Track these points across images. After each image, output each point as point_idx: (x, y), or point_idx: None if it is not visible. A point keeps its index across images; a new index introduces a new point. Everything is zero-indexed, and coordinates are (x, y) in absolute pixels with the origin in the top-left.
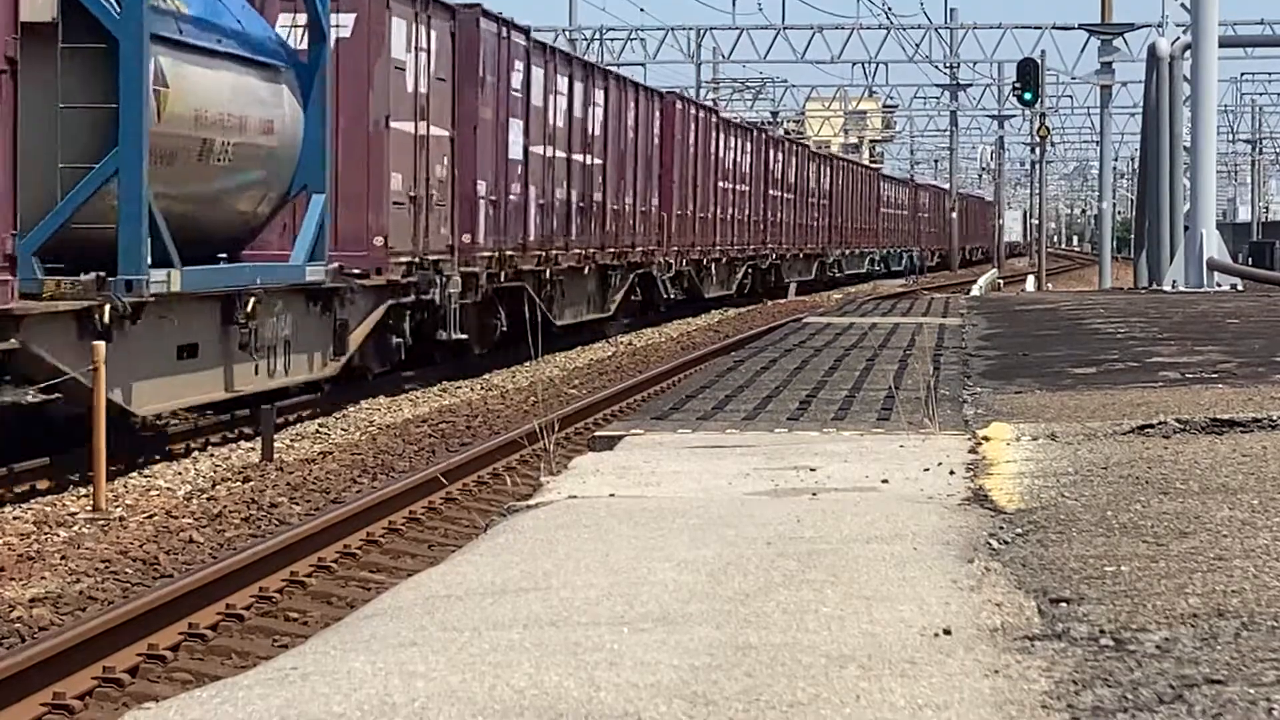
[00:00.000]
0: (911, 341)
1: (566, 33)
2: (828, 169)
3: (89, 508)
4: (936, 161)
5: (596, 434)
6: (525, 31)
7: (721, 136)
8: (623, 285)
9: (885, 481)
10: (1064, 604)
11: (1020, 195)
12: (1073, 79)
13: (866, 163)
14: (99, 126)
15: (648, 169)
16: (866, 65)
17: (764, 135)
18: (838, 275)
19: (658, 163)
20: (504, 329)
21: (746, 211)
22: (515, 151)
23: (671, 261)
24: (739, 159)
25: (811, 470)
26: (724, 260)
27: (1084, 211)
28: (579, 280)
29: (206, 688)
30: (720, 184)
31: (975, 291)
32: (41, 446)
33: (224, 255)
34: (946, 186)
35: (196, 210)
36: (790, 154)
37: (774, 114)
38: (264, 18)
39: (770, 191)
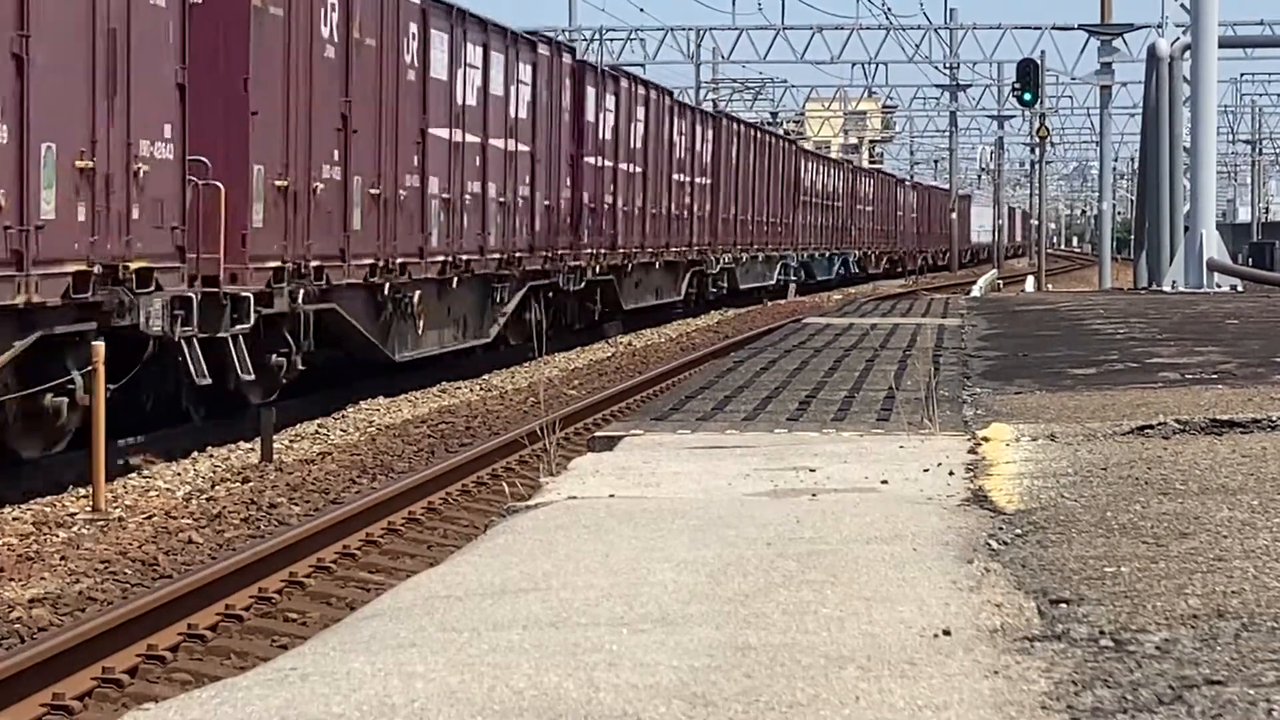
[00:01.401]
0: (911, 342)
1: (566, 33)
2: (709, 132)
3: (88, 508)
4: (936, 162)
5: (596, 434)
6: None
7: (448, 47)
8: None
9: (885, 482)
10: (1064, 605)
11: (1020, 195)
12: (1072, 79)
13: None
14: None
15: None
16: (866, 65)
17: (570, 63)
18: (723, 291)
19: (219, 76)
20: None
21: (525, 190)
22: None
23: (290, 292)
24: (511, 95)
25: (811, 471)
26: (471, 276)
27: (1084, 212)
28: None
29: (206, 688)
30: (440, 134)
31: (975, 292)
32: None
33: None
34: (898, 174)
35: None
36: (634, 101)
37: (773, 114)
38: None
39: (587, 159)
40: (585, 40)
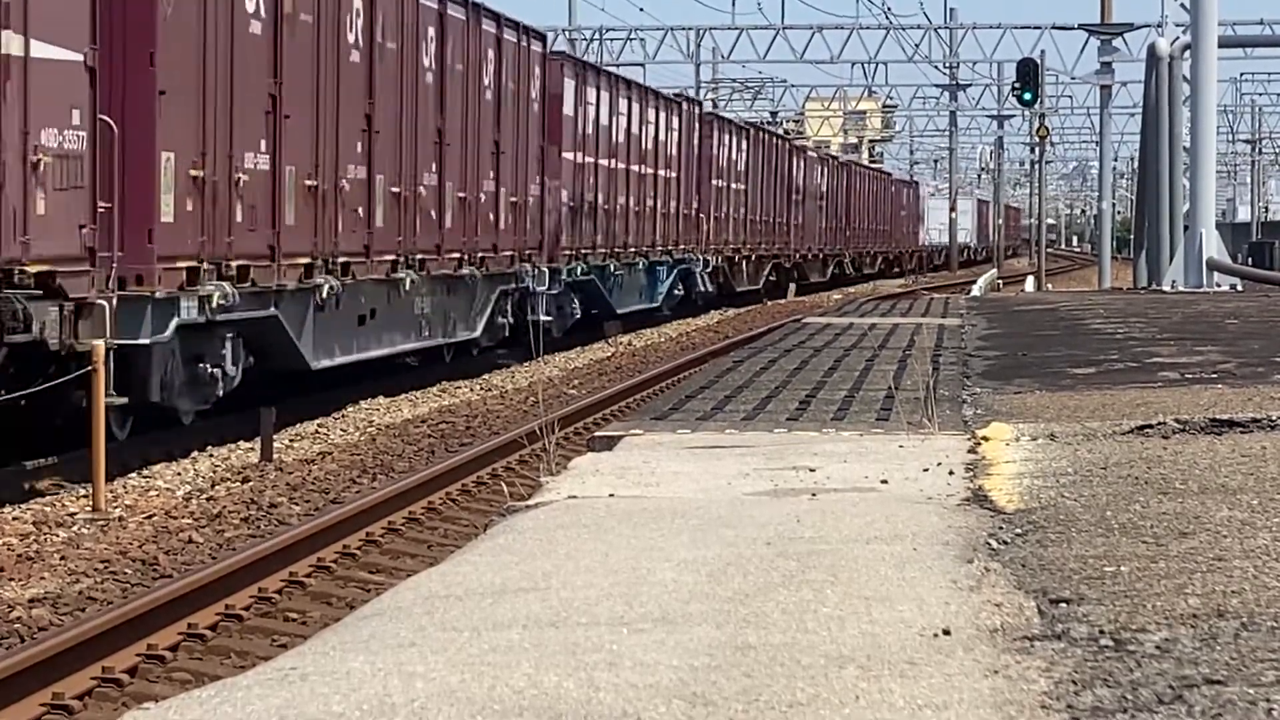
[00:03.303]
0: (911, 342)
1: (566, 32)
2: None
3: (88, 508)
4: (936, 161)
5: (596, 434)
6: None
7: None
8: None
9: (885, 482)
10: (1063, 604)
11: (1020, 195)
12: (1072, 79)
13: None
14: None
15: None
16: (866, 65)
17: None
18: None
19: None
20: None
21: None
22: None
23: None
24: None
25: (811, 470)
26: None
27: (1084, 211)
28: None
29: (206, 688)
30: None
31: (975, 292)
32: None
33: None
34: (798, 140)
35: None
36: None
37: (773, 114)
38: None
39: None
40: (585, 40)
